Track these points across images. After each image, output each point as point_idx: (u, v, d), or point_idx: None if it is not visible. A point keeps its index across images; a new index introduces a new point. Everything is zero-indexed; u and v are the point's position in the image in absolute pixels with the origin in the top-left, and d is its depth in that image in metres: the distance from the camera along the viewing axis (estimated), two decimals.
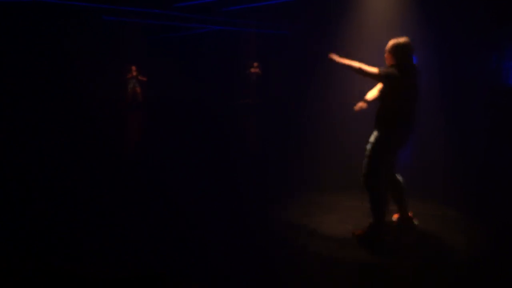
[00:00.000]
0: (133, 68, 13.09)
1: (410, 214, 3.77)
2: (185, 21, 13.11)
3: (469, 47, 7.13)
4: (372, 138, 3.49)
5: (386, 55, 3.47)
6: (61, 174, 6.42)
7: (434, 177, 5.30)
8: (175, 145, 8.22)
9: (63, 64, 11.38)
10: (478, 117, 6.97)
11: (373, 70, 3.34)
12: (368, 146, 3.47)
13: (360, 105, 3.70)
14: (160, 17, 12.60)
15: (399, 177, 3.71)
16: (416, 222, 3.79)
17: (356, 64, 3.40)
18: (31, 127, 9.16)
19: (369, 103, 3.69)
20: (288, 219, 4.07)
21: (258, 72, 13.55)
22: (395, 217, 3.84)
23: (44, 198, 5.27)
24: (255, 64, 13.62)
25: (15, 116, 9.60)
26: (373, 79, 3.42)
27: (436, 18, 7.14)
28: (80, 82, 11.75)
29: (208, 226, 4.33)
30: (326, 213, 4.16)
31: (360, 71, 3.37)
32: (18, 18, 10.16)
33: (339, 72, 8.52)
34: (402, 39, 3.42)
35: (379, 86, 3.63)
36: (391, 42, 3.44)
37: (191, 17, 12.39)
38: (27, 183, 5.93)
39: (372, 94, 3.73)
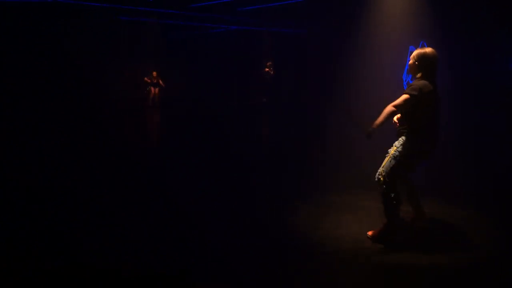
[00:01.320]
0: (154, 73, 13.19)
1: (424, 214, 3.76)
2: (201, 21, 13.17)
3: (477, 47, 7.10)
4: (396, 143, 3.46)
5: (411, 63, 3.41)
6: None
7: (447, 178, 5.27)
8: (188, 144, 8.17)
9: (80, 64, 11.47)
10: (489, 118, 6.93)
11: (402, 98, 3.25)
12: (391, 150, 3.45)
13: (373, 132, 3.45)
14: (176, 17, 12.65)
15: (412, 179, 3.70)
16: (429, 222, 3.78)
17: (387, 109, 3.30)
18: (41, 127, 9.21)
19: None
20: (303, 219, 4.04)
21: (270, 71, 13.55)
22: (409, 217, 3.83)
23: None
24: (268, 63, 13.65)
25: (24, 115, 9.66)
26: (409, 103, 3.27)
27: (446, 19, 7.10)
28: (96, 82, 11.87)
29: (220, 227, 4.33)
30: (341, 213, 4.14)
31: (395, 110, 3.29)
32: (38, 18, 10.27)
33: (354, 73, 8.64)
34: (429, 50, 3.36)
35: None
36: (419, 52, 3.37)
37: (207, 16, 12.42)
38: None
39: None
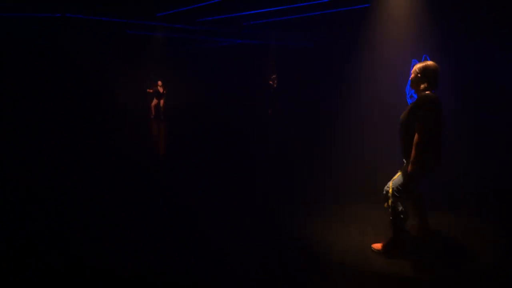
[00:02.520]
0: (159, 82, 13.29)
1: (429, 227, 3.71)
2: (207, 35, 13.29)
3: (477, 47, 7.10)
4: (406, 159, 3.39)
5: (413, 77, 3.37)
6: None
7: (453, 188, 5.19)
8: (192, 153, 8.11)
9: (90, 76, 11.68)
10: (492, 121, 6.90)
11: (421, 131, 3.14)
12: (403, 166, 3.41)
13: None
14: (183, 31, 12.78)
15: (419, 191, 3.65)
16: (434, 235, 3.74)
17: (417, 149, 3.18)
18: (47, 130, 9.35)
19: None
20: (307, 230, 3.99)
21: (273, 84, 13.61)
22: (414, 229, 3.80)
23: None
24: (273, 76, 13.72)
25: (34, 122, 9.87)
26: (429, 131, 3.17)
27: (449, 33, 7.10)
28: (105, 93, 12.08)
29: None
30: (346, 224, 4.08)
31: (422, 145, 3.17)
32: (47, 32, 10.48)
33: (360, 85, 8.64)
34: (430, 63, 3.32)
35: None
36: (421, 66, 3.32)
37: (213, 30, 12.50)
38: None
39: None
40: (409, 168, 3.24)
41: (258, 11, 9.63)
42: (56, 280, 3.12)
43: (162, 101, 13.38)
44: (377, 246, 3.53)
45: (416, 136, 3.19)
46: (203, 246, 3.83)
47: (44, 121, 10.03)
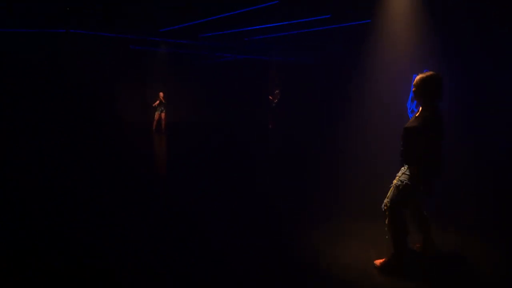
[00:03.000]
0: (161, 94, 13.37)
1: (433, 244, 3.66)
2: (210, 50, 13.39)
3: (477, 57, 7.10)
4: (400, 173, 3.37)
5: (415, 90, 3.30)
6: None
7: (457, 204, 5.13)
8: (197, 168, 7.87)
9: (94, 89, 11.82)
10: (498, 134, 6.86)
11: (420, 155, 3.15)
12: (396, 181, 3.36)
13: None
14: (186, 47, 12.81)
15: (423, 207, 3.61)
16: (438, 252, 3.67)
17: (419, 169, 3.19)
18: (51, 138, 9.52)
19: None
20: (309, 245, 3.88)
21: (275, 100, 13.61)
22: (417, 246, 3.74)
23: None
24: (276, 91, 13.75)
25: (39, 131, 10.01)
26: (431, 150, 3.16)
27: (449, 47, 7.10)
28: (108, 106, 12.23)
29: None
30: (348, 240, 4.01)
31: (422, 163, 3.17)
32: (53, 47, 10.61)
33: (362, 100, 8.64)
34: (431, 74, 3.22)
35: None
36: (420, 78, 3.25)
37: (216, 46, 12.57)
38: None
39: None
40: (407, 182, 3.25)
41: (259, 26, 9.66)
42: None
43: (163, 114, 13.46)
44: (379, 262, 3.46)
45: (415, 154, 3.20)
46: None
47: (47, 128, 10.15)
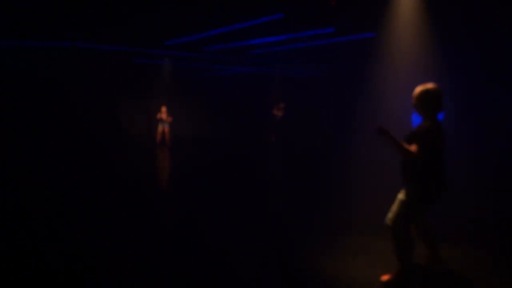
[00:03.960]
0: (163, 109, 13.51)
1: (440, 258, 3.59)
2: (213, 63, 13.40)
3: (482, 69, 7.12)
4: (405, 188, 3.30)
5: (415, 102, 3.26)
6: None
7: (465, 218, 4.98)
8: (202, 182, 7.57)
9: (98, 102, 11.96)
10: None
11: (412, 152, 3.08)
12: (400, 196, 3.31)
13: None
14: (190, 60, 12.88)
15: (430, 221, 3.55)
16: (445, 267, 3.59)
17: (405, 146, 3.12)
18: (55, 150, 9.66)
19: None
20: (313, 261, 3.79)
21: (280, 113, 13.66)
22: (424, 260, 3.64)
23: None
24: (282, 105, 13.80)
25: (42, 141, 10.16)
26: (413, 158, 3.12)
27: (456, 58, 7.14)
28: (112, 119, 12.37)
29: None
30: (354, 255, 3.90)
31: (406, 151, 3.11)
32: (57, 61, 10.79)
33: (367, 112, 8.66)
34: (430, 86, 3.19)
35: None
36: (419, 90, 3.22)
37: (220, 59, 12.67)
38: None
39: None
40: (407, 196, 3.21)
41: (264, 40, 9.75)
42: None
43: (167, 128, 13.55)
44: (386, 277, 3.39)
45: (415, 169, 3.17)
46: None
47: (51, 139, 10.24)
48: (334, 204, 5.82)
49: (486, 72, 7.01)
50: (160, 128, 13.55)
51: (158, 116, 13.52)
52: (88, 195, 5.58)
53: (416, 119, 3.78)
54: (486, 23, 6.57)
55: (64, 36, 9.54)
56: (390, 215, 3.31)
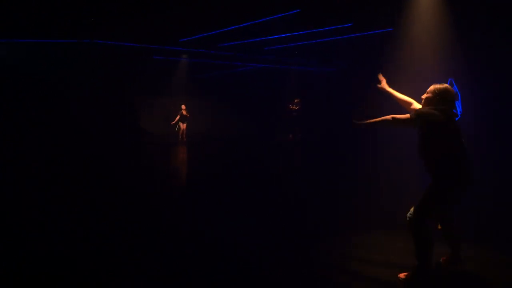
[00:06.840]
0: (183, 106, 13.69)
1: (459, 258, 3.48)
2: (229, 60, 13.62)
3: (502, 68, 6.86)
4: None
5: (430, 97, 3.25)
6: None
7: (489, 219, 4.75)
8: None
9: (116, 99, 12.23)
10: None
11: (404, 115, 3.16)
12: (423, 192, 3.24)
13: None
14: (206, 56, 13.11)
15: (453, 219, 3.44)
16: (464, 266, 3.46)
17: (386, 116, 3.20)
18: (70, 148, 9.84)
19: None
20: (332, 258, 3.74)
21: (297, 108, 13.51)
22: (443, 259, 3.55)
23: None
24: (296, 100, 13.69)
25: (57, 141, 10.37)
26: (408, 125, 3.21)
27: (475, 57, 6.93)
28: (131, 115, 12.60)
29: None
30: (372, 253, 3.82)
31: (390, 120, 3.18)
32: (77, 57, 11.12)
33: (384, 109, 8.44)
34: (450, 88, 3.24)
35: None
36: (441, 88, 3.24)
37: (236, 55, 12.79)
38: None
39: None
40: (429, 188, 3.13)
41: (280, 35, 9.68)
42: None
43: (185, 125, 13.71)
44: (403, 275, 3.28)
45: (434, 157, 3.15)
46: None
47: (68, 137, 10.46)
48: (351, 201, 5.73)
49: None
50: (180, 126, 13.70)
51: (178, 116, 13.66)
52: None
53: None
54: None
55: (83, 32, 9.70)
56: (411, 209, 3.25)
